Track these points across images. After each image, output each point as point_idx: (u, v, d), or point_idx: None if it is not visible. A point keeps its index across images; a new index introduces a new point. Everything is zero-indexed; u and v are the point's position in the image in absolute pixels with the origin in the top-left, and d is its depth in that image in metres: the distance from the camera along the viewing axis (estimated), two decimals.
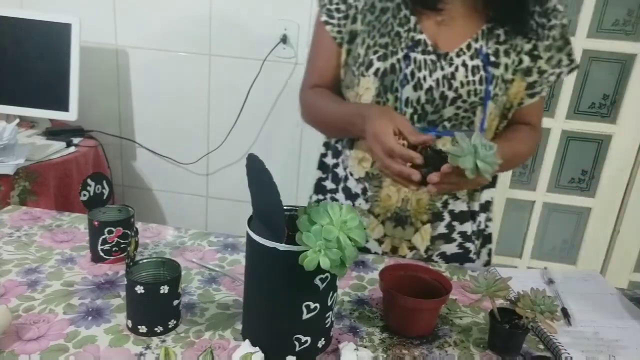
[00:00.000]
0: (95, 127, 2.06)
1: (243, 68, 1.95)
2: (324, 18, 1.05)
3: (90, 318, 0.80)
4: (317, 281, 0.70)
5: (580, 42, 1.89)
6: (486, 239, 1.17)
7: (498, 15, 0.98)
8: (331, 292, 0.74)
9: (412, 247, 1.09)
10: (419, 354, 0.78)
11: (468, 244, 1.11)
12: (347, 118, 0.99)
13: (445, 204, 1.07)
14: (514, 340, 0.79)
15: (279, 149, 2.05)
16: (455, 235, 1.10)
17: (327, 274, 0.71)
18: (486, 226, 1.16)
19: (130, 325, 0.78)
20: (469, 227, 1.10)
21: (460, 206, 1.08)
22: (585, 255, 2.14)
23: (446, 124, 1.01)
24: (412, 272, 0.88)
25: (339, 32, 1.05)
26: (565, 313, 0.89)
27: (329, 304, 0.74)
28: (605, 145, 2.04)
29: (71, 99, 1.83)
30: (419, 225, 1.08)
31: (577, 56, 1.89)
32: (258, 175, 0.69)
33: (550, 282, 1.00)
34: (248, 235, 0.73)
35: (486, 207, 1.14)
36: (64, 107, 1.83)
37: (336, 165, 1.15)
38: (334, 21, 1.04)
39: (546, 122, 2.01)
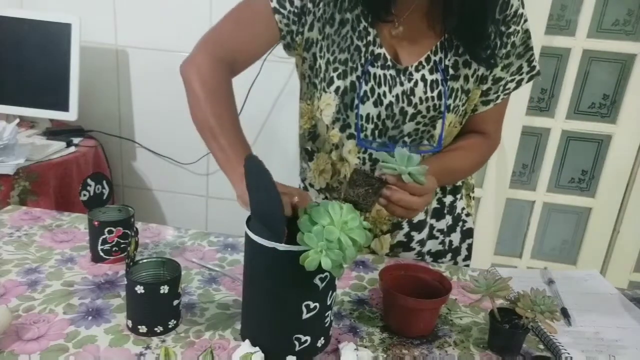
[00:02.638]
0: (95, 127, 2.06)
1: None
2: (273, 5, 0.96)
3: (90, 318, 0.80)
4: (316, 280, 0.70)
5: (580, 42, 1.90)
6: (465, 234, 1.17)
7: (456, 28, 0.94)
8: (330, 292, 0.74)
9: (372, 252, 1.12)
10: (419, 354, 0.78)
11: (425, 250, 1.12)
12: (228, 163, 0.87)
13: None
14: (514, 340, 0.79)
15: (278, 149, 2.04)
16: (414, 244, 1.11)
17: (327, 274, 0.71)
18: (463, 221, 1.16)
19: (130, 325, 0.78)
20: (424, 234, 1.11)
21: (419, 215, 1.09)
22: (585, 255, 2.14)
23: (406, 139, 1.01)
24: (412, 272, 0.88)
25: (287, 24, 0.98)
26: (565, 313, 0.89)
27: (329, 303, 0.74)
28: (605, 145, 2.04)
29: (71, 99, 1.83)
30: (379, 233, 1.10)
31: (577, 60, 1.90)
32: (258, 176, 0.69)
33: (550, 282, 1.00)
34: (247, 236, 0.72)
35: (451, 208, 1.14)
36: (64, 107, 1.83)
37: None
38: (285, 12, 0.96)
39: (546, 122, 2.01)
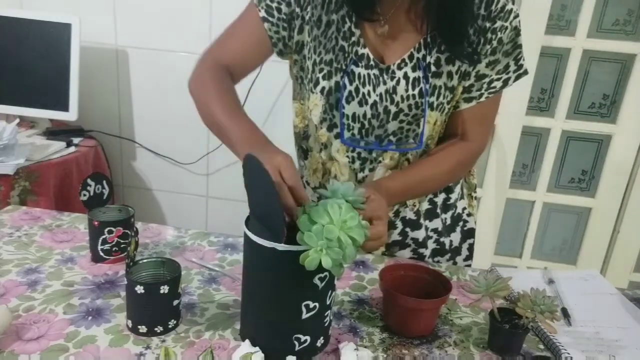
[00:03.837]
0: (95, 127, 2.06)
1: None
2: (262, 14, 0.98)
3: (90, 318, 0.80)
4: (316, 280, 0.70)
5: (580, 42, 1.90)
6: (466, 234, 1.17)
7: (437, 25, 0.93)
8: (330, 291, 0.74)
9: (368, 251, 1.11)
10: (419, 354, 0.78)
11: (421, 250, 1.12)
12: (231, 138, 0.90)
13: (397, 213, 1.09)
14: (514, 340, 0.79)
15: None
16: (408, 240, 1.11)
17: (326, 273, 0.71)
18: (464, 221, 1.16)
19: (130, 325, 0.78)
20: (420, 234, 1.11)
21: (410, 214, 1.09)
22: (585, 255, 2.15)
23: (392, 138, 1.00)
24: (412, 272, 0.88)
25: (277, 32, 0.99)
26: (565, 313, 0.89)
27: (328, 303, 0.74)
28: (605, 145, 2.04)
29: (71, 99, 1.83)
30: None
31: (577, 60, 1.90)
32: (257, 176, 0.69)
33: (550, 282, 1.00)
34: (246, 236, 0.72)
35: (447, 207, 1.13)
36: (64, 107, 1.84)
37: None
38: (273, 20, 0.98)
39: (546, 122, 2.02)
